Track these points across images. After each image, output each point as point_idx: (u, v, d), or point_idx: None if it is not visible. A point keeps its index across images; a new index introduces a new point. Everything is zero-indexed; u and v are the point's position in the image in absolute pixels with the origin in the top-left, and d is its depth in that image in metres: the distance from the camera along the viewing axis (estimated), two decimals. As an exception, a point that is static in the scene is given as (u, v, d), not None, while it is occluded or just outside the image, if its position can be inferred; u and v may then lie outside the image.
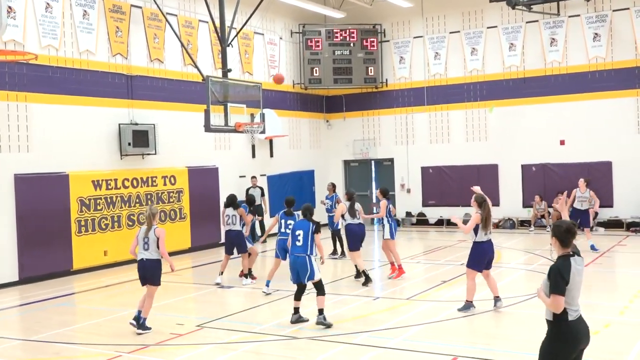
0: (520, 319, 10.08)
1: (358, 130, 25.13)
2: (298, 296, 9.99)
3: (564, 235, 5.21)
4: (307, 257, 9.80)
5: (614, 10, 20.75)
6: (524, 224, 21.98)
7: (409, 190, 24.17)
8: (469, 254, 10.58)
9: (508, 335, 9.19)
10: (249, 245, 13.68)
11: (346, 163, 25.65)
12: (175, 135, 18.38)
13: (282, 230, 12.21)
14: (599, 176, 20.74)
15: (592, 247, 16.08)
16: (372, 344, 8.83)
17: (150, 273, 9.84)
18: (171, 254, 10.41)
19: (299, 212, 10.58)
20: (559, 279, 5.08)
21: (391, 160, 24.66)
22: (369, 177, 25.40)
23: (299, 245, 9.84)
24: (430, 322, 9.89)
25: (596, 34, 21.02)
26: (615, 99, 20.74)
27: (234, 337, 9.41)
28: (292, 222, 11.98)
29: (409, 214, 24.08)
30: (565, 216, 5.89)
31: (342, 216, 13.76)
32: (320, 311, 9.71)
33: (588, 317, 9.41)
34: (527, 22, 21.99)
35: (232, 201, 13.68)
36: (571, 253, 5.20)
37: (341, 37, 23.96)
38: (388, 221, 13.58)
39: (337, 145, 25.43)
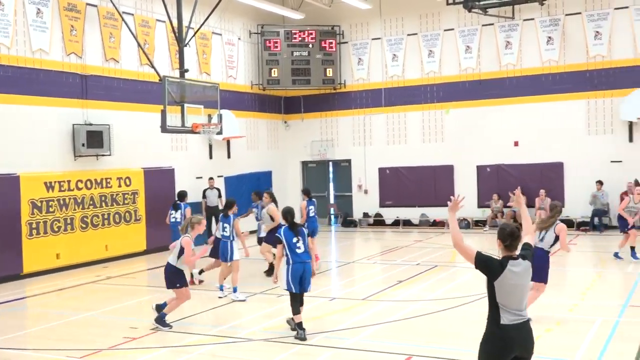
0: (473, 317, 10.21)
1: (316, 131, 25.18)
2: (298, 308, 9.26)
3: (507, 238, 5.19)
4: (311, 262, 9.47)
5: (566, 15, 21.21)
6: (479, 224, 22.32)
7: (366, 191, 24.32)
8: None
9: (461, 333, 9.30)
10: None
11: (304, 164, 25.67)
12: (130, 136, 18.14)
13: (221, 232, 12.13)
14: (551, 177, 21.23)
15: (617, 255, 15.08)
16: (328, 344, 8.85)
17: (165, 276, 10.12)
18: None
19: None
20: (486, 256, 5.14)
21: (349, 161, 24.77)
22: (326, 178, 25.48)
23: (301, 252, 9.27)
24: (386, 322, 9.97)
25: (550, 37, 21.46)
26: (567, 101, 21.21)
27: (189, 340, 9.33)
28: (227, 225, 11.93)
29: (366, 214, 24.23)
30: (525, 214, 5.78)
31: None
32: (300, 324, 9.30)
33: (540, 316, 9.65)
34: (483, 25, 22.32)
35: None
36: (515, 256, 5.17)
37: (300, 38, 23.96)
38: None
39: (295, 146, 25.44)
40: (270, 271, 13.75)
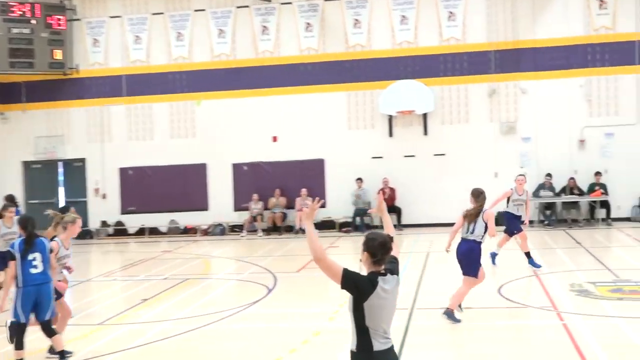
0: (228, 334, 10.16)
1: (42, 125, 23.82)
2: (22, 343, 8.38)
3: (377, 249, 4.91)
4: (51, 285, 8.57)
5: (325, 0, 22.16)
6: (235, 229, 22.48)
7: (104, 196, 23.53)
8: None
9: (214, 353, 9.19)
10: None
11: (26, 165, 24.19)
12: None
13: None
14: (311, 175, 22.09)
15: (493, 256, 14.02)
16: (54, 382, 8.18)
17: None
18: None
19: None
20: (355, 274, 4.84)
21: (83, 160, 23.79)
22: (55, 180, 24.27)
23: (38, 271, 8.40)
24: (128, 348, 9.52)
25: (308, 23, 22.29)
26: (327, 93, 22.18)
27: None
28: None
29: (104, 223, 23.45)
30: (388, 221, 5.58)
31: None
32: (62, 353, 8.66)
33: (299, 326, 9.82)
34: (237, 7, 22.57)
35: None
36: (383, 271, 4.93)
37: (19, 12, 22.74)
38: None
39: (14, 143, 23.86)
40: None
